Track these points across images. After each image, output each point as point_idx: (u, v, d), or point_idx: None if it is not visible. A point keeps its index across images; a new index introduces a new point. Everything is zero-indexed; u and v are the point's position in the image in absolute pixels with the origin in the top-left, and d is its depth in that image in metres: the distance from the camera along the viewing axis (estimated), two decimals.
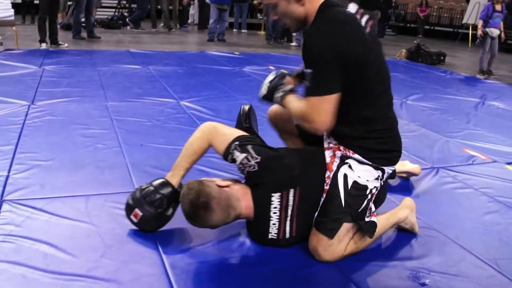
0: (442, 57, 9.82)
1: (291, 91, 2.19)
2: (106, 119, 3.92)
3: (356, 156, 2.04)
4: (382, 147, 2.07)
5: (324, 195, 2.04)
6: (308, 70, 1.95)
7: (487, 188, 3.08)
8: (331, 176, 2.05)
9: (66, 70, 5.93)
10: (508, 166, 3.57)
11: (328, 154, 2.11)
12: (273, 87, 2.21)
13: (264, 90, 2.26)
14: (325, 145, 2.15)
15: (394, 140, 2.14)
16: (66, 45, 8.10)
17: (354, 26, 1.95)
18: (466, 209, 2.77)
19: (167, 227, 2.25)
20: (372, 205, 2.09)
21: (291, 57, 8.89)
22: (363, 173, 2.03)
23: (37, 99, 4.42)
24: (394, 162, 2.14)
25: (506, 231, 2.51)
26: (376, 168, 2.06)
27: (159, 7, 12.03)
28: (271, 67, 7.17)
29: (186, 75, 6.21)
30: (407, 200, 2.39)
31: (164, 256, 2.02)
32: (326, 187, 2.05)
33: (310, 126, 1.98)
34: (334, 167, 2.05)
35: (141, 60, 7.01)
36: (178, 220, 2.31)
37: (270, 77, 2.28)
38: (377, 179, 2.07)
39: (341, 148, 2.08)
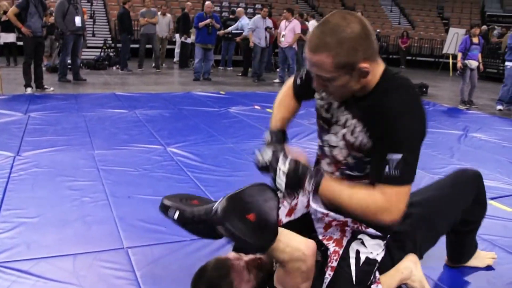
0: (424, 89, 9.99)
1: (320, 173, 1.78)
2: (93, 169, 3.92)
3: (370, 230, 1.88)
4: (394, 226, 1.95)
5: (331, 273, 1.87)
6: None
7: None
8: (340, 252, 1.88)
9: (52, 117, 5.93)
10: (492, 202, 3.60)
11: (333, 230, 1.95)
12: (295, 176, 1.74)
13: (281, 182, 1.76)
14: (322, 224, 1.97)
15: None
16: (51, 89, 8.13)
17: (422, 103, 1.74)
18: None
19: (156, 285, 2.24)
20: (377, 273, 1.99)
21: (275, 95, 8.92)
22: (374, 248, 1.91)
23: (23, 150, 4.41)
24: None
25: (493, 272, 2.53)
26: (384, 239, 1.95)
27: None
28: (256, 107, 7.24)
29: (172, 118, 6.24)
30: (410, 255, 2.20)
31: None
32: (333, 264, 1.88)
33: (384, 219, 1.69)
34: (344, 243, 1.90)
35: (127, 103, 7.04)
36: (168, 278, 2.31)
37: (273, 157, 1.81)
38: (382, 250, 1.97)
39: (349, 222, 1.89)
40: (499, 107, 8.48)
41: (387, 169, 1.64)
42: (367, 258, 1.88)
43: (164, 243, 2.67)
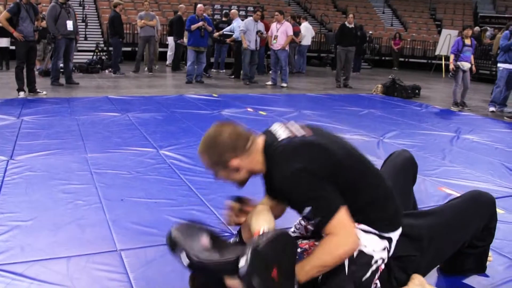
0: (417, 91, 10.04)
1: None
2: (86, 173, 3.92)
3: (362, 226, 1.97)
4: (384, 215, 2.03)
5: None
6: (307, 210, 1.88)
7: None
8: None
9: (45, 121, 5.93)
10: None
11: None
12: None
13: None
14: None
15: (393, 204, 2.09)
16: (44, 93, 8.11)
17: (305, 145, 1.95)
18: None
19: (149, 285, 2.25)
20: (378, 284, 2.02)
21: (268, 97, 9.01)
22: (369, 242, 1.96)
23: (16, 153, 4.41)
24: (397, 225, 2.07)
25: (484, 274, 2.55)
26: (382, 238, 2.00)
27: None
28: (249, 109, 7.27)
29: (165, 121, 6.26)
30: (415, 277, 2.18)
31: None
32: None
33: (347, 250, 1.88)
34: None
35: (120, 106, 7.05)
36: (161, 280, 2.33)
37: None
38: (384, 250, 2.00)
39: None
40: (492, 108, 8.54)
41: (312, 219, 1.89)
42: (360, 251, 1.93)
43: (157, 245, 2.69)
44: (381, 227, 2.00)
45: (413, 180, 2.62)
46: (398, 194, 2.22)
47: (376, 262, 1.97)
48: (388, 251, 2.03)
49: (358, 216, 1.95)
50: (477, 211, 2.32)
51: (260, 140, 2.03)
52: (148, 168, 4.14)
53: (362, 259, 1.94)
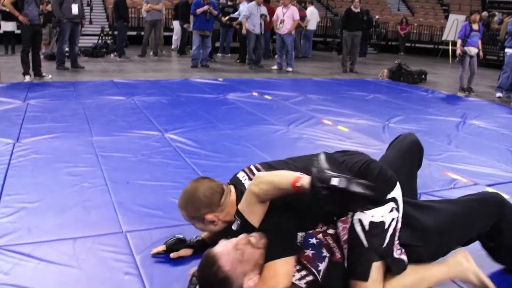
0: (423, 76, 9.99)
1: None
2: (92, 156, 3.94)
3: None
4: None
5: (345, 246, 2.00)
6: None
7: None
8: (347, 227, 2.00)
9: (50, 104, 5.95)
10: (489, 189, 3.64)
11: None
12: None
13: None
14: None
15: (379, 166, 2.11)
16: (50, 76, 8.13)
17: None
18: None
19: (155, 268, 2.28)
20: (397, 241, 2.05)
21: (273, 82, 8.99)
22: (375, 211, 1.98)
23: (22, 137, 4.43)
24: (394, 183, 2.07)
25: (487, 257, 2.56)
26: (385, 202, 2.02)
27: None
28: (254, 94, 7.26)
29: (170, 105, 6.26)
30: (460, 251, 2.24)
31: None
32: (345, 237, 2.00)
33: None
34: (349, 218, 2.00)
35: (125, 90, 7.05)
36: (167, 261, 2.35)
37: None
38: (391, 211, 2.03)
39: None
40: (499, 94, 8.48)
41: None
42: (370, 222, 1.97)
43: (162, 227, 2.71)
44: (381, 200, 2.00)
45: (418, 164, 2.60)
46: (404, 176, 2.24)
47: (390, 225, 2.01)
48: (397, 209, 2.05)
49: None
50: (484, 210, 2.31)
51: (232, 193, 2.19)
52: (153, 151, 4.15)
53: (375, 229, 1.97)
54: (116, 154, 4.01)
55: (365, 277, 1.95)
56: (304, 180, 1.81)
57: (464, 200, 2.40)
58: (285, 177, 1.88)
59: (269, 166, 2.19)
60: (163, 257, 2.38)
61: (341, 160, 2.10)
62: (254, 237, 1.89)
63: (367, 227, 1.97)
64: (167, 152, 4.14)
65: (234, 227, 1.99)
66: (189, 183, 2.23)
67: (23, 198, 3.04)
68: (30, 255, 2.35)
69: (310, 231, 2.05)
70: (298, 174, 1.87)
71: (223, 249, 1.86)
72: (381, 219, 1.99)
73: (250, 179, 2.17)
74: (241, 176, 2.25)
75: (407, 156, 2.48)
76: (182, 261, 2.35)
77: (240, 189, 2.17)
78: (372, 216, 1.98)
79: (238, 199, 2.09)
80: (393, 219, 2.03)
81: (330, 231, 2.07)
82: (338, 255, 2.00)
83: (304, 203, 1.90)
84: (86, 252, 2.41)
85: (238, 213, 1.98)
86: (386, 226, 2.00)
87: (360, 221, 1.97)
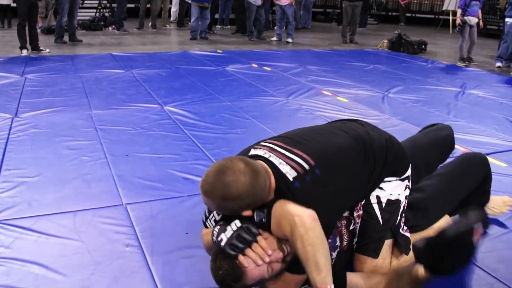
0: (423, 46, 9.91)
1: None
2: (91, 129, 3.94)
3: (385, 178, 1.99)
4: (400, 163, 2.04)
5: (359, 220, 1.97)
6: None
7: None
8: (362, 202, 1.97)
9: (48, 78, 5.92)
10: (487, 157, 3.65)
11: None
12: None
13: None
14: None
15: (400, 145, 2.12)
16: (47, 50, 8.07)
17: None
18: None
19: (155, 239, 2.30)
20: (402, 221, 2.05)
21: (273, 53, 8.93)
22: (394, 189, 1.99)
23: (20, 111, 4.42)
24: (408, 164, 2.07)
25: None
26: (402, 180, 2.02)
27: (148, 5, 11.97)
28: (253, 65, 7.22)
29: (169, 77, 6.23)
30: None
31: (153, 270, 2.07)
32: (360, 212, 1.98)
33: None
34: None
35: (123, 63, 7.01)
36: (167, 232, 2.37)
37: None
38: (406, 188, 2.03)
39: None
40: (498, 64, 8.43)
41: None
42: (388, 200, 1.97)
43: (161, 199, 2.73)
44: (400, 173, 2.02)
45: (443, 159, 2.53)
46: (425, 165, 2.28)
47: (402, 202, 2.02)
48: (409, 187, 2.07)
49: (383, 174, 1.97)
50: (471, 173, 2.37)
51: (272, 181, 1.76)
52: (153, 124, 4.15)
53: (391, 207, 1.98)
54: (115, 127, 4.01)
55: (376, 254, 1.96)
56: None
57: (451, 169, 2.39)
58: (320, 274, 1.60)
59: (294, 142, 1.89)
60: (163, 229, 2.40)
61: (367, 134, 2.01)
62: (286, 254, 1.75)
63: (384, 204, 1.96)
64: (166, 125, 4.13)
65: (256, 218, 1.76)
66: (224, 165, 1.71)
67: (22, 172, 3.05)
68: (30, 228, 2.37)
69: None
70: (329, 284, 1.60)
71: (256, 266, 1.70)
72: (397, 197, 1.99)
73: (276, 156, 1.82)
74: (264, 153, 1.85)
75: (438, 149, 2.46)
76: (181, 232, 2.37)
77: (276, 172, 1.77)
78: (391, 194, 1.97)
79: (278, 188, 1.76)
80: (406, 197, 2.04)
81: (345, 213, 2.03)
82: (345, 243, 1.99)
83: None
84: (86, 225, 2.43)
85: (270, 211, 1.74)
86: (401, 204, 2.01)
87: (378, 197, 1.96)
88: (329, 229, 1.79)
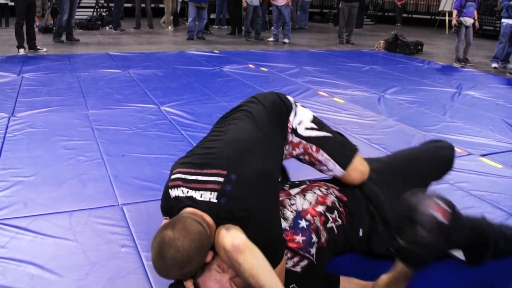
0: (419, 47, 9.94)
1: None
2: (87, 129, 3.94)
3: None
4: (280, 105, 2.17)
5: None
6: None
7: (462, 182, 3.17)
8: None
9: (45, 77, 5.92)
10: (482, 158, 3.67)
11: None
12: None
13: None
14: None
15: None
16: (44, 49, 8.06)
17: None
18: None
19: (150, 240, 2.30)
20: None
21: (270, 54, 8.94)
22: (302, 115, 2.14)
23: (17, 110, 4.42)
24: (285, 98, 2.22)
25: None
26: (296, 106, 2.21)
27: (143, 5, 11.96)
28: (250, 65, 7.23)
29: (166, 78, 6.23)
30: None
31: (149, 271, 2.08)
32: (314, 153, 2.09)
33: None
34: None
35: (120, 63, 7.01)
36: None
37: None
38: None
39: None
40: (494, 64, 8.46)
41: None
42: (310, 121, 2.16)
43: (158, 199, 2.68)
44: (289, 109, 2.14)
45: (438, 177, 2.45)
46: (417, 174, 2.26)
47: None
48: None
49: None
50: (436, 152, 2.39)
51: (210, 222, 1.70)
52: (149, 124, 4.15)
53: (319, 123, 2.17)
54: (112, 127, 4.01)
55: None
56: None
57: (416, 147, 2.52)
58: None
59: (199, 164, 1.82)
60: None
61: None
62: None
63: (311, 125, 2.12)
64: (163, 125, 4.14)
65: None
66: (160, 248, 1.63)
67: (19, 172, 3.05)
68: (26, 228, 2.38)
69: (300, 210, 1.96)
70: None
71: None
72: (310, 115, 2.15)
73: (193, 188, 1.75)
74: (182, 193, 1.78)
75: (437, 165, 2.39)
76: None
77: (202, 206, 1.71)
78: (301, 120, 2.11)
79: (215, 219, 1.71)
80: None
81: (318, 207, 2.00)
82: (323, 239, 1.95)
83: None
84: (82, 225, 2.44)
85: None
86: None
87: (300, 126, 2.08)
88: (274, 218, 1.78)
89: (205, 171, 1.75)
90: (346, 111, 4.85)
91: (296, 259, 1.86)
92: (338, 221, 2.00)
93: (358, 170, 2.12)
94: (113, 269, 2.08)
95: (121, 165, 3.21)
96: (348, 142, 2.20)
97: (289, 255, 1.85)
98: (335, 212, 2.01)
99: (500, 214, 2.77)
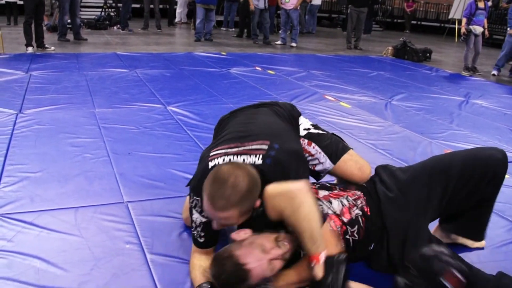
0: (428, 54, 9.93)
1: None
2: (94, 127, 3.96)
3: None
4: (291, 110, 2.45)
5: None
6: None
7: None
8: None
9: (53, 76, 5.94)
10: None
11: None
12: None
13: None
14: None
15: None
16: (52, 48, 8.09)
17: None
18: None
19: (155, 238, 2.31)
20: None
21: (277, 57, 8.96)
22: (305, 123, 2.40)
23: (25, 107, 4.44)
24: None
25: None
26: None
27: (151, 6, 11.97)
28: (257, 68, 7.24)
29: (173, 78, 6.25)
30: None
31: (152, 268, 2.08)
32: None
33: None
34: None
35: (128, 63, 7.04)
36: (167, 231, 2.38)
37: None
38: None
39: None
40: (494, 72, 8.47)
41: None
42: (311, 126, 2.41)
43: (163, 198, 2.74)
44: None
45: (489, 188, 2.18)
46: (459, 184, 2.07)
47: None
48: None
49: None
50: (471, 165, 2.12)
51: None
52: (156, 123, 4.16)
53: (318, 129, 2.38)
54: (118, 126, 4.02)
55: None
56: (319, 268, 1.73)
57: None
58: (314, 243, 1.73)
59: (240, 137, 1.99)
60: (163, 227, 2.41)
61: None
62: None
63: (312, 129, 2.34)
64: (169, 125, 4.15)
65: (254, 213, 1.82)
66: (220, 174, 1.74)
67: (26, 168, 3.06)
68: (32, 223, 2.39)
69: (325, 213, 1.95)
70: (322, 251, 1.74)
71: (258, 264, 1.73)
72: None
73: (235, 155, 1.88)
74: (223, 161, 1.88)
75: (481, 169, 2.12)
76: (181, 231, 2.38)
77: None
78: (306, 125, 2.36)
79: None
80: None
81: (343, 217, 1.99)
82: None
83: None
84: (87, 221, 2.44)
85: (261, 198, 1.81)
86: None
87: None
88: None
89: (246, 143, 1.91)
90: (352, 116, 4.85)
91: None
92: (355, 236, 1.98)
93: (351, 161, 2.18)
94: (118, 265, 2.09)
95: (127, 163, 3.22)
96: (342, 141, 2.30)
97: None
98: (356, 226, 1.98)
99: (504, 223, 2.77)
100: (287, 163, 1.88)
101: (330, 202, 2.01)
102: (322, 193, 2.06)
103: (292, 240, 1.81)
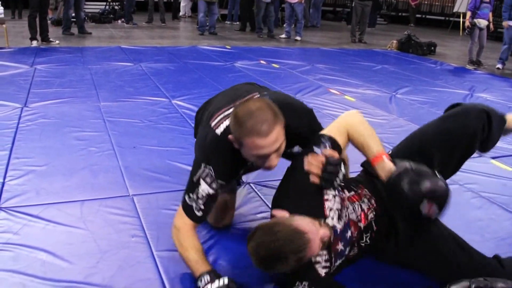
0: (432, 48, 9.89)
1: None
2: (99, 121, 3.97)
3: None
4: None
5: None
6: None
7: (471, 183, 3.15)
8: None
9: (58, 69, 5.96)
10: (493, 161, 3.65)
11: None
12: None
13: None
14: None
15: None
16: (57, 42, 8.11)
17: None
18: (450, 205, 2.84)
19: (160, 231, 2.32)
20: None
21: (281, 50, 8.95)
22: None
23: (30, 101, 4.46)
24: None
25: (488, 228, 2.59)
26: None
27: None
28: (262, 62, 7.24)
29: (177, 72, 6.26)
30: None
31: (158, 261, 2.10)
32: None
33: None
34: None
35: (132, 56, 7.05)
36: (171, 224, 2.39)
37: None
38: None
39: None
40: (498, 65, 8.44)
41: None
42: None
43: (168, 191, 2.75)
44: None
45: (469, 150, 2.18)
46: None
47: None
48: None
49: None
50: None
51: None
52: (160, 117, 4.17)
53: None
54: (123, 120, 4.03)
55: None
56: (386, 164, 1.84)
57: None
58: (373, 148, 1.89)
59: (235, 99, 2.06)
60: (168, 220, 2.41)
61: None
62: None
63: None
64: (174, 118, 4.16)
65: (322, 147, 1.88)
66: (251, 107, 1.76)
67: (31, 161, 3.08)
68: (38, 216, 2.40)
69: (349, 219, 1.90)
70: (382, 151, 1.88)
71: (314, 238, 1.64)
72: None
73: None
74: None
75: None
76: None
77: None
78: None
79: None
80: None
81: (360, 224, 1.94)
82: (351, 254, 1.93)
83: None
84: (93, 214, 2.46)
85: (323, 136, 1.94)
86: None
87: None
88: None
89: (238, 101, 1.99)
90: (357, 109, 4.84)
91: (326, 263, 1.82)
92: (367, 242, 1.96)
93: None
94: (123, 258, 2.10)
95: (132, 157, 3.23)
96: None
97: (326, 257, 1.81)
98: (369, 232, 1.95)
99: (509, 216, 2.76)
100: (282, 96, 2.19)
101: (354, 207, 1.95)
102: (347, 194, 1.98)
103: (330, 228, 1.76)
